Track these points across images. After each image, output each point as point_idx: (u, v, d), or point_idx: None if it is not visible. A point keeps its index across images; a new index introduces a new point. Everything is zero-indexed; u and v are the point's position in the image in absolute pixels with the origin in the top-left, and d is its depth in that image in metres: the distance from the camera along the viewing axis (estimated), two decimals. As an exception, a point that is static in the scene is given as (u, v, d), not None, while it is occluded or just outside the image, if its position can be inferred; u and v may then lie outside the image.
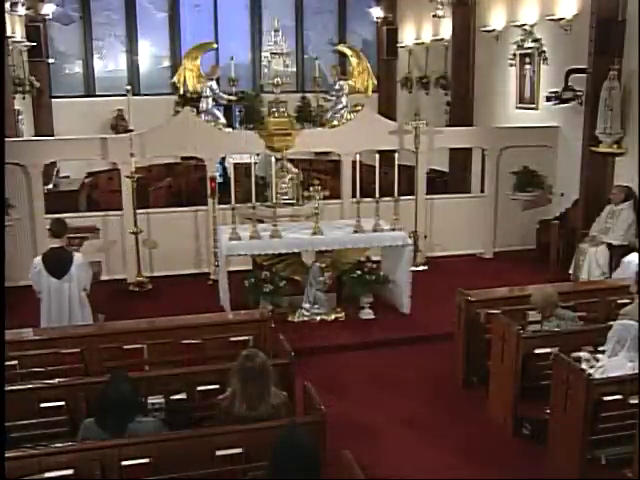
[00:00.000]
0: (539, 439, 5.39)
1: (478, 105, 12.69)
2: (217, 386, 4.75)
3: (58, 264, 6.21)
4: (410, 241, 8.38)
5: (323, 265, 8.10)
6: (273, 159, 8.35)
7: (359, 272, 8.02)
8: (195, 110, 10.26)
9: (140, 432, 4.06)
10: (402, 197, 8.73)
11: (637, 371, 4.84)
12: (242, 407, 4.18)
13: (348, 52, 11.08)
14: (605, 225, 8.56)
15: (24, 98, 13.17)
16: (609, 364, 5.00)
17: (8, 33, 11.35)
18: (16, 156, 8.87)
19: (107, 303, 8.00)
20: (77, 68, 15.85)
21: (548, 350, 5.38)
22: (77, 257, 6.33)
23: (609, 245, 8.40)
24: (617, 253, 8.15)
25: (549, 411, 5.34)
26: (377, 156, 8.21)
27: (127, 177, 9.11)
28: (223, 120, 10.61)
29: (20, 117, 12.47)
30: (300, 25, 16.89)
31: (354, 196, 8.67)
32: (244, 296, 7.79)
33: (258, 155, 9.71)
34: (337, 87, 10.72)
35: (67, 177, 13.26)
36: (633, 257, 7.21)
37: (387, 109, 15.20)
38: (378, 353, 7.29)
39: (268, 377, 4.24)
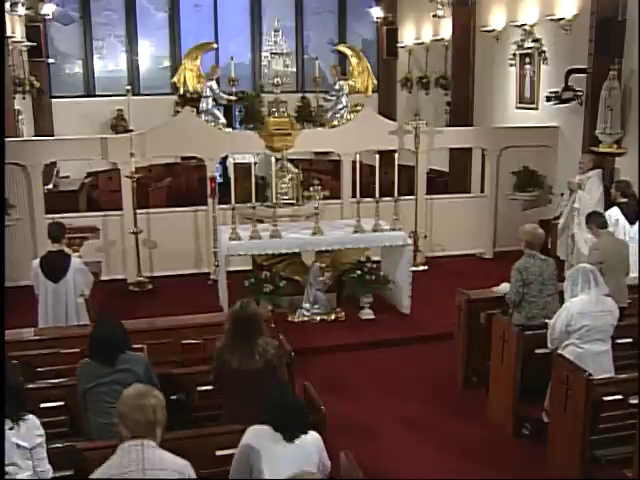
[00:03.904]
0: (539, 439, 5.40)
1: (478, 105, 12.69)
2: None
3: (55, 268, 6.19)
4: (410, 241, 8.39)
5: (323, 265, 8.10)
6: (273, 159, 8.35)
7: (359, 272, 8.03)
8: (195, 110, 10.25)
9: (129, 361, 4.41)
10: (402, 197, 8.73)
11: (594, 304, 5.10)
12: (234, 361, 4.38)
13: (348, 52, 11.07)
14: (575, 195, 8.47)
15: (24, 98, 13.16)
16: (570, 304, 5.18)
17: (8, 33, 11.34)
18: (16, 156, 8.87)
19: (107, 303, 8.00)
20: (77, 68, 15.84)
21: (548, 350, 5.37)
22: (75, 262, 6.28)
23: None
24: None
25: (547, 410, 5.36)
26: (377, 156, 8.20)
27: (127, 177, 9.11)
28: (223, 120, 10.60)
29: (20, 117, 12.46)
30: (300, 25, 16.89)
31: (354, 196, 8.68)
32: (244, 296, 7.76)
33: (258, 155, 9.71)
34: (337, 87, 10.70)
35: (67, 177, 13.26)
36: (614, 211, 7.41)
37: (387, 109, 15.19)
38: (378, 353, 7.29)
39: (258, 328, 4.48)
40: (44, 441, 3.86)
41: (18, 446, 3.72)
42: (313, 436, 3.81)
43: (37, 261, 6.30)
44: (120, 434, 3.29)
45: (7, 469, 3.70)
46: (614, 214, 7.37)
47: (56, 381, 4.92)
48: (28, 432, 3.76)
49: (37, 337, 5.71)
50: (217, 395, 4.74)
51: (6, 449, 3.69)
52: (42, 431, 3.86)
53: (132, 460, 3.19)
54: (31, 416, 3.84)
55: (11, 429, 3.71)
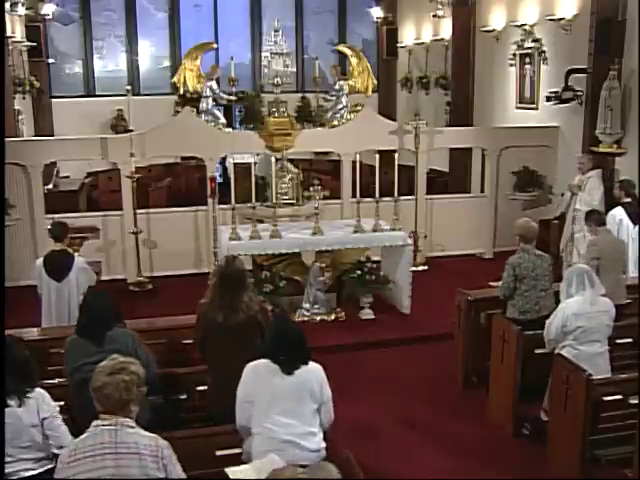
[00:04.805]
0: (539, 439, 5.40)
1: (478, 105, 12.69)
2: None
3: (58, 267, 6.21)
4: (410, 241, 8.39)
5: (323, 265, 8.10)
6: (273, 159, 8.35)
7: (359, 272, 8.02)
8: (195, 110, 10.25)
9: (117, 339, 4.43)
10: (402, 197, 8.73)
11: (589, 304, 5.10)
12: (219, 316, 4.50)
13: (348, 52, 11.07)
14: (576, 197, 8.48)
15: (24, 98, 13.16)
16: (565, 305, 5.19)
17: (8, 33, 11.34)
18: (16, 156, 8.87)
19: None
20: (77, 68, 15.85)
21: (548, 350, 5.38)
22: (78, 261, 6.30)
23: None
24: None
25: (547, 410, 5.36)
26: (377, 156, 8.21)
27: (127, 177, 9.11)
28: (223, 120, 10.60)
29: (20, 117, 12.46)
30: (300, 25, 16.89)
31: (354, 196, 8.68)
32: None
33: (258, 155, 9.71)
34: (337, 87, 10.69)
35: (67, 177, 13.26)
36: (618, 211, 7.40)
37: (387, 109, 15.20)
38: (378, 353, 7.29)
39: (243, 284, 4.60)
40: (56, 412, 3.87)
41: (33, 425, 3.75)
42: (314, 366, 3.89)
43: (40, 260, 6.32)
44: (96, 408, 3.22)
45: (24, 444, 3.75)
46: (618, 214, 7.36)
47: (56, 381, 4.91)
48: (37, 407, 3.79)
49: (37, 337, 5.72)
50: (202, 359, 4.82)
51: (21, 429, 3.73)
52: (52, 403, 3.87)
53: (105, 443, 3.09)
54: (38, 390, 3.85)
55: (19, 407, 3.72)
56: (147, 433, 3.21)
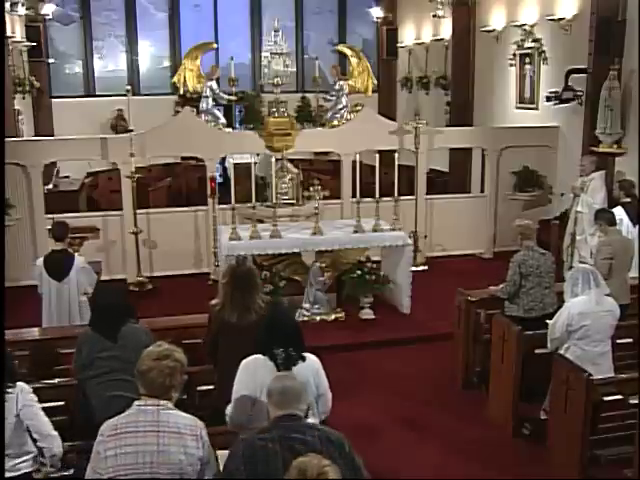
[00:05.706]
0: (539, 439, 5.40)
1: (478, 105, 12.69)
2: (217, 386, 4.75)
3: (58, 267, 6.22)
4: (410, 241, 8.39)
5: (323, 265, 8.10)
6: (273, 159, 8.35)
7: (359, 272, 8.02)
8: (195, 110, 10.25)
9: (131, 335, 4.42)
10: (402, 197, 8.73)
11: (594, 304, 5.10)
12: (233, 316, 4.54)
13: (348, 52, 11.07)
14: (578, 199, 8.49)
15: (24, 98, 13.16)
16: (571, 304, 5.18)
17: (8, 33, 11.35)
18: (16, 156, 8.86)
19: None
20: (77, 68, 15.88)
21: (548, 350, 5.37)
22: (78, 261, 6.31)
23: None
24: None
25: (546, 410, 5.37)
26: (377, 156, 8.21)
27: (127, 177, 9.11)
28: (223, 120, 10.60)
29: (20, 117, 12.47)
30: (300, 25, 16.92)
31: (354, 196, 8.67)
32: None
33: (258, 155, 9.71)
34: (337, 87, 10.69)
35: (67, 177, 13.26)
36: (618, 210, 7.41)
37: (387, 109, 15.19)
38: (378, 353, 7.29)
39: (255, 284, 4.65)
40: (35, 401, 3.89)
41: (12, 419, 3.76)
42: (310, 360, 3.89)
43: (41, 260, 6.33)
44: (137, 390, 3.33)
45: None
46: (618, 213, 7.37)
47: (56, 381, 4.91)
48: (16, 400, 3.80)
49: (37, 337, 5.72)
50: (210, 358, 4.81)
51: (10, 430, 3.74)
52: (32, 395, 3.90)
53: (147, 421, 3.21)
54: (19, 384, 3.87)
55: None
56: (186, 414, 3.34)
